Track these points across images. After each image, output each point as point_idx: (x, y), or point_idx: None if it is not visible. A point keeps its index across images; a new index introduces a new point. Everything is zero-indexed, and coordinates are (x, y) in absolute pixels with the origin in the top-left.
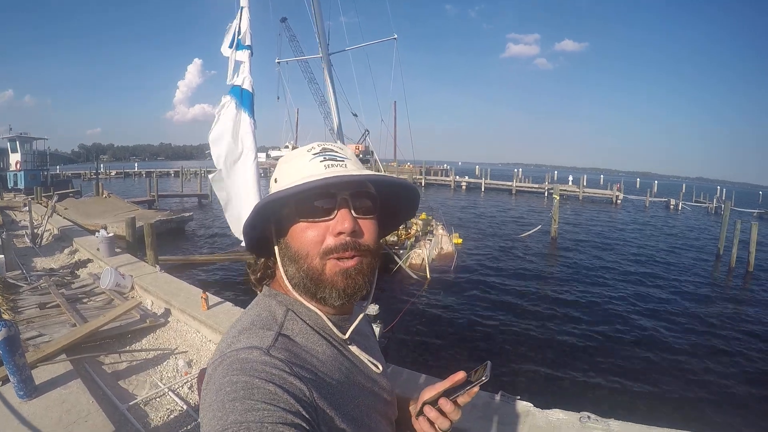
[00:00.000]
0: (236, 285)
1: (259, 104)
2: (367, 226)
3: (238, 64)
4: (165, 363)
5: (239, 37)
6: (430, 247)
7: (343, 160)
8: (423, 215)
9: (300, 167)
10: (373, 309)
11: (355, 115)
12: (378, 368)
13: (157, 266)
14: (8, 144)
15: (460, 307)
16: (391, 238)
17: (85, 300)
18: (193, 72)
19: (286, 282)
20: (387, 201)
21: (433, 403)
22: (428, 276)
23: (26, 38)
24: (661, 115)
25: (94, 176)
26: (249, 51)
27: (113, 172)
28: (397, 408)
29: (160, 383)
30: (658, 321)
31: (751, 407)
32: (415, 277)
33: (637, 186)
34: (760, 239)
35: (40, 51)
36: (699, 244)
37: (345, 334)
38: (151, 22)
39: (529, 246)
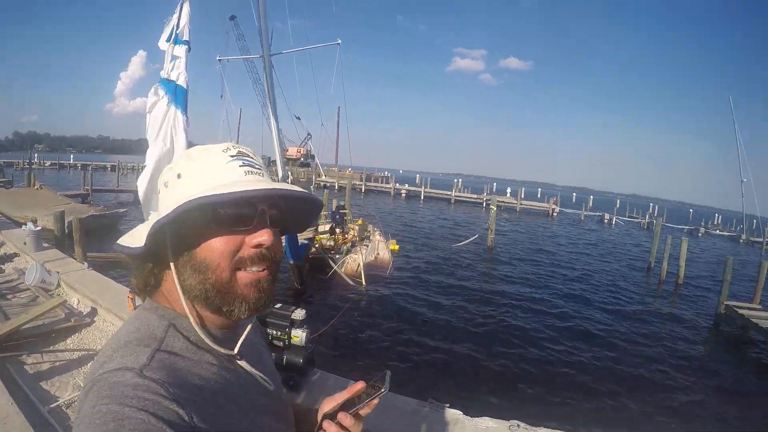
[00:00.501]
0: None
1: (201, 102)
2: (277, 238)
3: (174, 58)
4: (89, 364)
5: (177, 32)
6: (366, 252)
7: (260, 169)
8: (360, 221)
9: (217, 169)
10: (299, 314)
11: (298, 118)
12: (269, 386)
13: (86, 263)
14: None
15: (394, 313)
16: (328, 242)
17: (9, 296)
18: (136, 64)
19: (180, 293)
20: (290, 212)
21: (333, 416)
22: (363, 282)
23: None
24: (598, 132)
25: (27, 166)
26: (186, 46)
27: (48, 163)
28: (299, 421)
29: (83, 385)
30: (588, 330)
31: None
32: (350, 282)
33: (573, 200)
34: (689, 254)
35: None
36: (631, 257)
37: (234, 349)
38: (96, 7)
39: (466, 255)
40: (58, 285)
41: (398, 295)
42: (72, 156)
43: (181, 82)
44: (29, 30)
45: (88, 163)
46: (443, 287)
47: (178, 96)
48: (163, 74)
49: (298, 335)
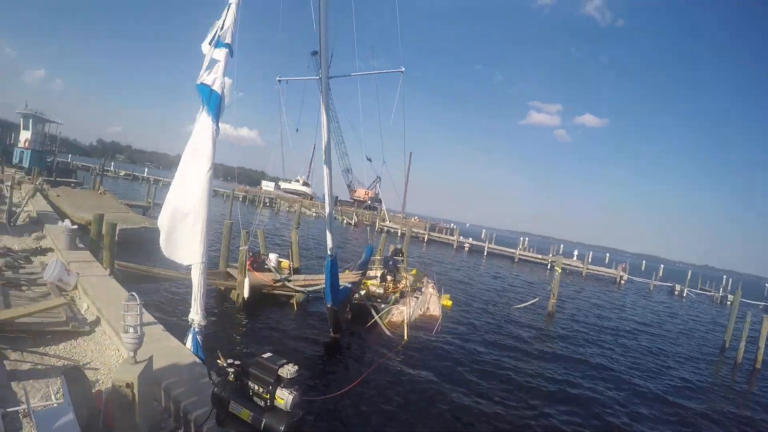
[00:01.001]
0: (180, 306)
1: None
2: None
3: (213, 62)
4: (61, 375)
5: (220, 34)
6: (415, 305)
7: None
8: (414, 270)
9: None
10: (289, 371)
11: (369, 160)
12: None
13: (108, 270)
14: (21, 120)
15: (435, 377)
16: (377, 289)
17: (24, 288)
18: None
19: None
20: None
21: None
22: (405, 336)
23: (65, 11)
24: (672, 200)
25: (99, 172)
26: (227, 50)
27: (123, 173)
28: None
29: (53, 397)
30: (656, 416)
31: None
32: (390, 335)
33: (642, 268)
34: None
35: (78, 29)
36: (703, 334)
37: None
38: (191, 25)
39: (523, 319)
40: (75, 287)
41: (441, 357)
42: (146, 170)
43: (217, 87)
44: (121, 43)
45: (160, 178)
46: (493, 352)
47: (212, 102)
48: (199, 79)
49: (284, 396)
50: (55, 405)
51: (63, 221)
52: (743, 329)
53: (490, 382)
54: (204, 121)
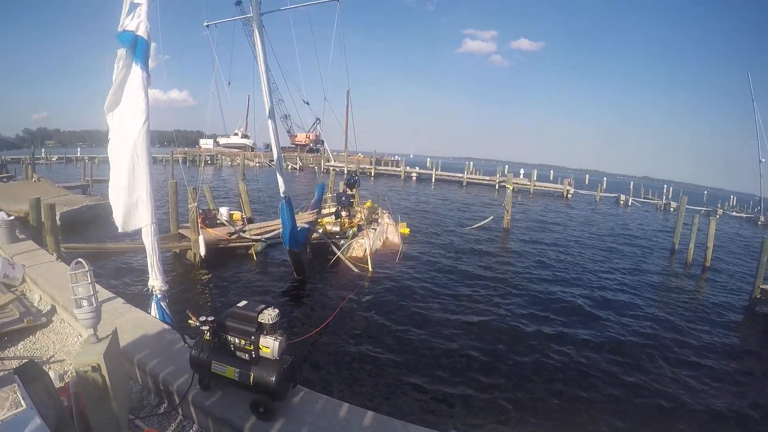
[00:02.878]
0: (140, 276)
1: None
2: None
3: (134, 6)
4: None
5: None
6: (374, 236)
7: None
8: (369, 203)
9: None
10: (269, 315)
11: (307, 103)
12: None
13: (55, 254)
14: None
15: (404, 306)
16: (333, 227)
17: None
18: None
19: None
20: None
21: None
22: (370, 268)
23: None
24: (608, 115)
25: (30, 161)
26: None
27: (55, 158)
28: None
29: (23, 402)
30: (617, 318)
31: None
32: (355, 270)
33: (586, 182)
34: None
35: None
36: (653, 239)
37: None
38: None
39: (480, 238)
40: (23, 280)
41: (408, 286)
42: (80, 149)
43: (142, 32)
44: (36, 25)
45: (95, 156)
46: (458, 274)
47: (138, 49)
48: (120, 26)
49: (269, 344)
50: (13, 413)
51: None
52: (692, 231)
53: (460, 302)
54: (132, 70)
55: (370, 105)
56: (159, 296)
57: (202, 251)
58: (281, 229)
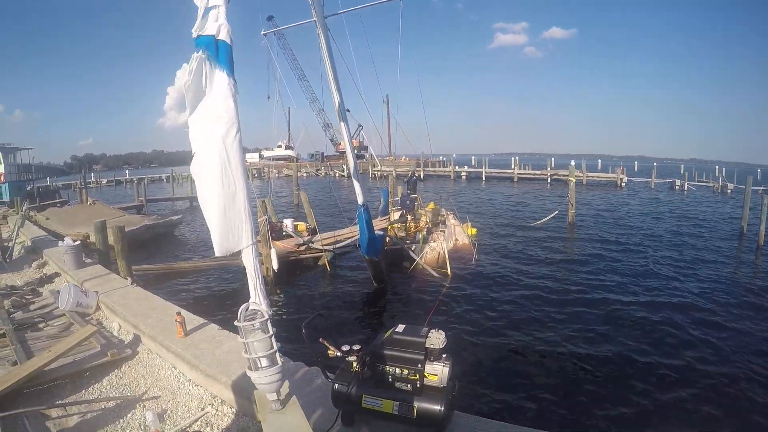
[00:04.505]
0: (226, 297)
1: (243, 102)
2: None
3: (208, 10)
4: (130, 415)
5: None
6: (443, 239)
7: None
8: (431, 204)
9: None
10: (438, 339)
11: (348, 111)
12: None
13: (129, 278)
14: None
15: (493, 310)
16: (400, 232)
17: (41, 325)
18: (181, 77)
19: None
20: None
21: None
22: (449, 272)
23: (11, 53)
24: (651, 98)
25: (82, 185)
26: None
27: (104, 181)
28: None
29: None
30: (696, 306)
31: None
32: (435, 274)
33: (636, 169)
34: None
35: (27, 64)
36: (719, 223)
37: None
38: (134, 28)
39: (547, 233)
40: (98, 308)
41: (490, 286)
42: (128, 172)
43: (223, 36)
44: (78, 58)
45: (143, 176)
46: (539, 272)
47: (222, 54)
48: (195, 32)
49: (437, 371)
50: None
51: (63, 241)
52: (762, 212)
53: (542, 292)
54: (217, 78)
55: (405, 109)
56: None
57: (275, 265)
58: (354, 238)
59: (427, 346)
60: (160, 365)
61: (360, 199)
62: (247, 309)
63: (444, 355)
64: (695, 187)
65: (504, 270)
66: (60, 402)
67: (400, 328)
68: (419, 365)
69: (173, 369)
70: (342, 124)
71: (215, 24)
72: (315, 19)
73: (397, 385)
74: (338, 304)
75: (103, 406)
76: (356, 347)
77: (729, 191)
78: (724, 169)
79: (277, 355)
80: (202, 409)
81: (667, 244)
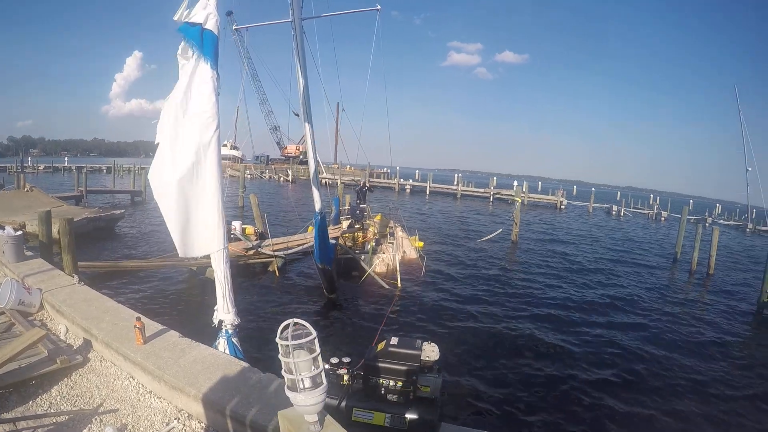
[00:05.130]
0: (179, 301)
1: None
2: None
3: None
4: (86, 430)
5: None
6: (392, 250)
7: None
8: (379, 216)
9: None
10: (432, 351)
11: (297, 115)
12: None
13: (75, 276)
14: None
15: (445, 316)
16: (347, 242)
17: None
18: (132, 65)
19: None
20: None
21: None
22: (399, 283)
23: None
24: (590, 126)
25: (19, 170)
26: None
27: (41, 167)
28: None
29: None
30: (634, 327)
31: None
32: (385, 285)
33: (574, 193)
34: (702, 244)
35: None
36: (653, 247)
37: None
38: (89, 6)
39: (491, 250)
40: (41, 306)
41: (439, 298)
42: (66, 159)
43: (211, 26)
44: (20, 31)
45: (83, 165)
46: (481, 287)
47: (206, 44)
48: (178, 17)
49: (430, 383)
50: None
51: (3, 229)
52: (696, 240)
53: (491, 306)
54: (200, 70)
55: (357, 118)
56: (231, 332)
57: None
58: (308, 245)
59: (422, 358)
60: (115, 374)
61: (317, 206)
62: (292, 325)
63: (436, 367)
64: (631, 214)
65: (452, 283)
66: (7, 416)
67: (394, 340)
68: (414, 377)
69: (131, 379)
70: (308, 130)
71: (203, 12)
72: (292, 20)
73: (389, 397)
74: (289, 313)
75: (53, 421)
76: (346, 359)
77: (663, 219)
78: (658, 197)
79: (323, 375)
80: (167, 424)
81: (606, 264)
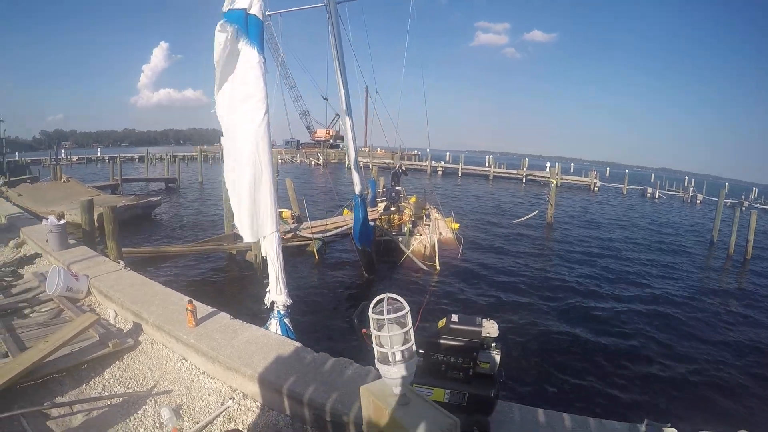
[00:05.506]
0: (223, 284)
1: None
2: None
3: None
4: (141, 411)
5: None
6: (429, 232)
7: None
8: (413, 198)
9: None
10: (492, 328)
11: (326, 99)
12: None
13: (121, 262)
14: None
15: (484, 296)
16: (384, 224)
17: (26, 311)
18: (158, 56)
19: None
20: None
21: None
22: (437, 265)
23: None
24: (624, 107)
25: (54, 162)
26: None
27: (75, 158)
28: None
29: None
30: (671, 309)
31: None
32: (423, 266)
33: (607, 175)
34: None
35: None
36: (690, 231)
37: None
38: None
39: (527, 231)
40: (89, 292)
41: (478, 279)
42: (99, 150)
43: (255, 11)
44: (48, 29)
45: (116, 155)
46: (517, 265)
47: (252, 29)
48: (226, 6)
49: (489, 359)
50: None
51: (47, 218)
52: (733, 224)
53: (528, 287)
54: (247, 55)
55: (388, 102)
56: (282, 312)
57: (263, 252)
58: (346, 227)
59: (483, 335)
60: (167, 357)
61: (357, 189)
62: (387, 299)
63: (495, 344)
64: (666, 196)
65: (489, 264)
66: (63, 401)
67: (455, 317)
68: (474, 353)
69: (183, 361)
70: (347, 118)
71: None
72: (326, 3)
73: (450, 374)
74: (329, 294)
75: (108, 402)
76: None
77: (698, 202)
78: (693, 180)
79: (413, 347)
80: (222, 404)
81: (642, 247)
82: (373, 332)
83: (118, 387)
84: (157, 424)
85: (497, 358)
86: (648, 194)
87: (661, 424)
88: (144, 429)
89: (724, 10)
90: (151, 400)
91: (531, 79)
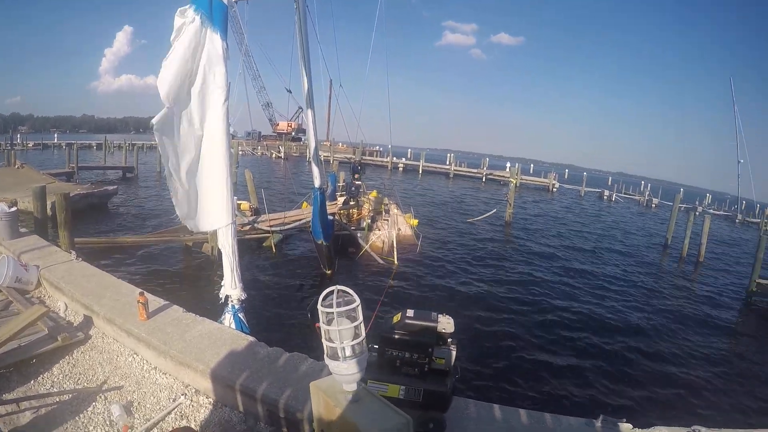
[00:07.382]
0: (177, 277)
1: None
2: None
3: None
4: (91, 408)
5: None
6: (388, 227)
7: None
8: (374, 193)
9: None
10: (447, 323)
11: (289, 92)
12: None
13: (73, 252)
14: None
15: (441, 292)
16: (342, 218)
17: None
18: (122, 40)
19: None
20: None
21: None
22: (396, 260)
23: None
24: (585, 112)
25: (8, 147)
26: None
27: (31, 144)
28: None
29: None
30: (624, 307)
31: None
32: (381, 261)
33: (566, 177)
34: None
35: None
36: (644, 234)
37: None
38: None
39: (484, 230)
40: (39, 284)
41: (435, 275)
42: (56, 136)
43: None
44: (6, 3)
45: (73, 142)
46: (475, 263)
47: (216, 14)
48: None
49: (445, 355)
50: None
51: None
52: (687, 228)
53: (483, 284)
54: (208, 40)
55: (352, 97)
56: (237, 307)
57: (219, 244)
58: (304, 221)
59: (438, 330)
60: (118, 351)
61: (317, 182)
62: (337, 292)
63: (450, 339)
64: (623, 199)
65: (447, 261)
66: (10, 398)
67: (411, 312)
68: (430, 349)
69: (134, 356)
70: (309, 110)
71: None
72: None
73: (404, 369)
74: (285, 288)
75: (57, 400)
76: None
77: (654, 205)
78: (650, 184)
79: (364, 343)
80: (174, 400)
81: (597, 247)
82: (323, 326)
83: (68, 383)
84: (108, 422)
85: (453, 353)
86: (605, 197)
87: (616, 419)
88: (94, 427)
89: (689, 13)
90: (101, 397)
91: (495, 81)
